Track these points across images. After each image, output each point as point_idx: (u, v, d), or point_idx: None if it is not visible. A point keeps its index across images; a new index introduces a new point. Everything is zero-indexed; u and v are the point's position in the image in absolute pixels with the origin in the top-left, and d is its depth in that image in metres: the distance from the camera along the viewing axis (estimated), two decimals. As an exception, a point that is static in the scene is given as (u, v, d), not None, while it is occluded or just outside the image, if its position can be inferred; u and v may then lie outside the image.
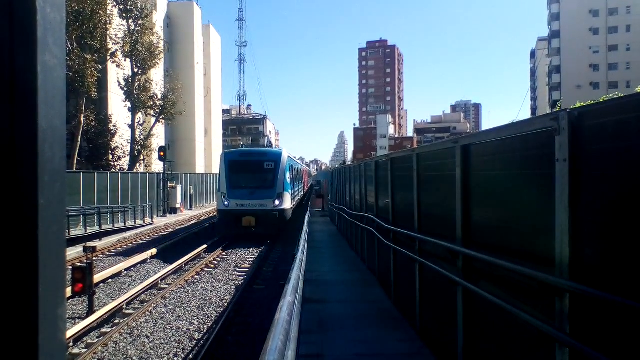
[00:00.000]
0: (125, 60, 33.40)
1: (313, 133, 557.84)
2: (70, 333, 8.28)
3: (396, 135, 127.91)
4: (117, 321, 9.64)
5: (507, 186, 4.10)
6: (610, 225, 2.76)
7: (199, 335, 8.88)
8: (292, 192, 23.14)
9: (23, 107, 0.65)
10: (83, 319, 9.46)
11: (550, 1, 77.19)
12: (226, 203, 20.01)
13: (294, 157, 34.00)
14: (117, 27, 32.68)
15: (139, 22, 34.08)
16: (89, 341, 8.56)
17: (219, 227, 21.73)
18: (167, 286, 12.44)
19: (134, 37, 33.25)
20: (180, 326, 9.36)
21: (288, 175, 21.23)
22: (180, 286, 12.61)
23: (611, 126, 2.77)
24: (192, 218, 32.57)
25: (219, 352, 8.08)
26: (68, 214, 19.14)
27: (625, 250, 2.59)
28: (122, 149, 36.84)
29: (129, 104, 34.93)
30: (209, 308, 10.58)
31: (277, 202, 20.07)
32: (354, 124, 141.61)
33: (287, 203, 20.74)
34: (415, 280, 6.91)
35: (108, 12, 30.14)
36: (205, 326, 9.38)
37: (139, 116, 37.05)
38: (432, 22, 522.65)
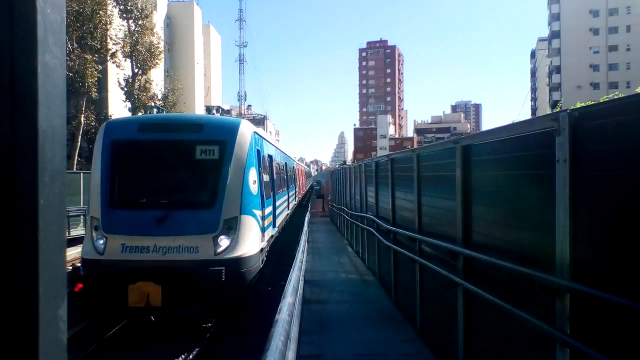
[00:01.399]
0: (125, 61, 33.41)
1: (313, 133, 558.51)
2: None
3: (396, 136, 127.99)
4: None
5: (508, 186, 4.10)
6: (610, 226, 2.75)
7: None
8: (270, 211, 11.12)
9: (23, 108, 0.65)
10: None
11: (550, 1, 77.28)
12: (99, 243, 8.02)
13: (283, 148, 20.50)
14: (117, 27, 32.68)
15: (139, 22, 34.07)
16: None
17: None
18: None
19: (134, 38, 33.25)
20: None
21: (254, 174, 9.06)
22: None
23: (611, 127, 2.77)
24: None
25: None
26: (68, 214, 19.13)
27: (625, 250, 2.59)
28: (122, 149, 36.74)
29: (129, 104, 34.91)
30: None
31: (222, 242, 8.06)
32: (354, 124, 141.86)
33: (251, 241, 8.53)
34: (416, 281, 6.91)
35: (108, 12, 30.15)
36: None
37: (139, 116, 36.99)
38: (432, 22, 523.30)
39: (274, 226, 11.85)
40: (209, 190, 8.56)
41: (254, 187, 8.93)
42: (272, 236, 11.15)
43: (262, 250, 9.15)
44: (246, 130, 9.16)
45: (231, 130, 8.89)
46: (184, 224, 8.02)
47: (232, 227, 8.21)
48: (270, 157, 12.59)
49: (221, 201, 8.26)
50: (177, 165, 8.89)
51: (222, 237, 8.08)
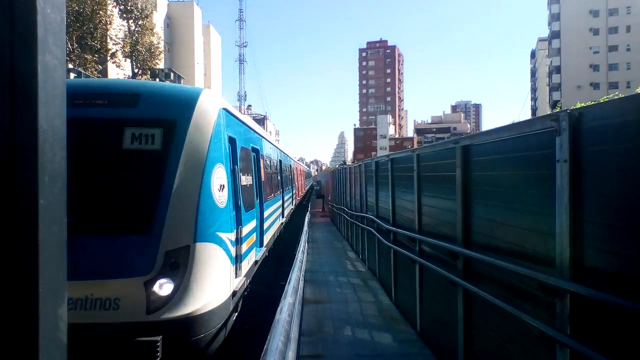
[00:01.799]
0: (125, 61, 33.42)
1: (313, 133, 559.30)
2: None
3: (396, 136, 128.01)
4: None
5: (508, 187, 4.10)
6: (611, 226, 2.75)
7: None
8: (253, 227, 7.82)
9: (23, 107, 0.65)
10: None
11: (550, 1, 77.30)
12: None
13: (279, 145, 16.77)
14: (118, 27, 32.72)
15: (139, 22, 34.09)
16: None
17: None
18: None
19: (134, 38, 33.27)
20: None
21: (221, 175, 5.62)
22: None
23: (612, 127, 2.77)
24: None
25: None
26: (68, 214, 19.04)
27: (626, 251, 2.59)
28: (122, 149, 36.73)
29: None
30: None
31: (162, 291, 4.73)
32: (354, 124, 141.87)
33: (214, 286, 5.14)
34: (416, 281, 6.91)
35: (108, 12, 30.19)
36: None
37: (139, 116, 36.97)
38: (432, 23, 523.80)
39: (260, 246, 8.59)
40: (142, 203, 5.15)
41: (220, 196, 5.54)
42: (256, 262, 7.91)
43: (234, 293, 5.88)
44: (209, 104, 5.68)
45: (184, 104, 5.51)
46: (96, 260, 4.81)
47: (179, 264, 4.90)
48: (255, 150, 9.08)
49: (162, 220, 4.94)
50: (92, 161, 5.33)
51: (161, 281, 4.78)
